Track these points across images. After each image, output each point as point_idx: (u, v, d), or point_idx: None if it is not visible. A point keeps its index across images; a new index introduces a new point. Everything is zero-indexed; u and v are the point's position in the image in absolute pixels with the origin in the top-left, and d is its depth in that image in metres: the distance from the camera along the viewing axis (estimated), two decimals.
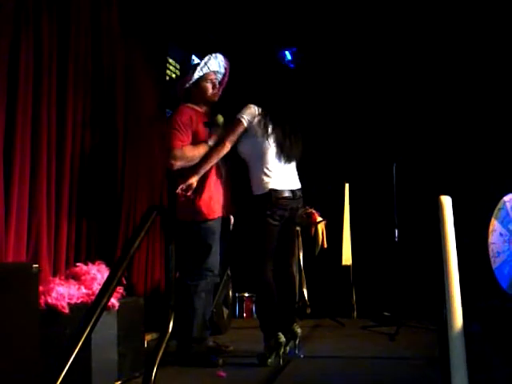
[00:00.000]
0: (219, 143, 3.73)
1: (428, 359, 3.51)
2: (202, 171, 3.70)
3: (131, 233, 4.15)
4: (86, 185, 3.97)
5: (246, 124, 3.71)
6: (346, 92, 6.36)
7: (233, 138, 3.72)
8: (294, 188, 3.81)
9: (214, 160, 3.72)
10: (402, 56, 6.10)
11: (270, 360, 3.61)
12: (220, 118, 3.93)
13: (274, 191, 3.69)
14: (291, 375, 3.43)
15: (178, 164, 3.69)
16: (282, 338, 3.63)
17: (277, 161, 3.77)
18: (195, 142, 3.77)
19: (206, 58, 3.85)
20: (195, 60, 5.78)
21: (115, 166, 4.39)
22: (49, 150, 3.55)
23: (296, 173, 3.91)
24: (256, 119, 3.74)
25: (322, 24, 6.00)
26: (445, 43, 5.89)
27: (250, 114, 3.74)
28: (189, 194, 3.62)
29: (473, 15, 5.64)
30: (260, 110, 3.77)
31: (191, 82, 3.84)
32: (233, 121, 3.75)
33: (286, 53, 6.04)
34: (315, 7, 5.78)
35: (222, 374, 3.36)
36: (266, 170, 3.73)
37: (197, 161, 3.70)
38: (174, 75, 5.50)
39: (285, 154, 3.78)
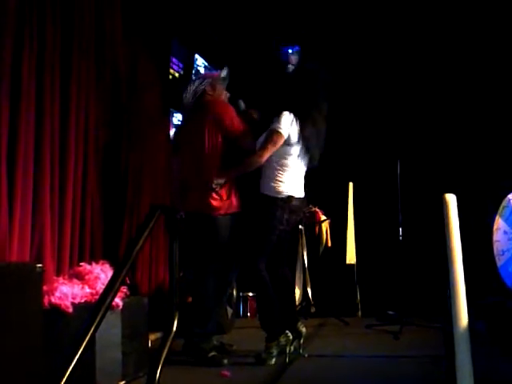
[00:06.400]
0: (257, 154, 3.69)
1: (432, 357, 3.49)
2: (233, 176, 3.78)
3: (135, 232, 4.16)
4: (90, 184, 3.97)
5: (285, 136, 3.66)
6: (349, 90, 6.34)
7: (271, 151, 3.66)
8: (304, 195, 3.85)
9: (248, 169, 3.75)
10: (406, 54, 6.09)
11: (274, 359, 3.61)
12: (241, 103, 4.08)
13: (292, 198, 3.71)
14: (296, 374, 3.42)
15: None
16: (291, 336, 3.68)
17: (296, 165, 3.75)
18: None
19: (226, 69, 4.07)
20: (198, 59, 5.81)
21: (119, 165, 4.39)
22: (52, 149, 3.55)
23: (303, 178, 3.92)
24: (293, 127, 3.69)
25: (325, 22, 6.00)
26: (448, 41, 5.88)
27: (287, 122, 3.67)
28: (217, 189, 3.74)
29: (476, 14, 5.63)
30: (293, 115, 3.71)
31: (214, 79, 3.97)
32: (270, 132, 3.67)
33: (289, 51, 6.01)
34: (318, 6, 5.77)
35: (227, 373, 3.36)
36: (285, 174, 3.71)
37: None
38: (177, 74, 5.49)
39: (308, 155, 3.78)
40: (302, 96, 3.80)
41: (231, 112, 3.84)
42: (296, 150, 3.73)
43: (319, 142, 3.84)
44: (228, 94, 4.06)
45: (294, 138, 3.70)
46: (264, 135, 3.74)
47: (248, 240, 3.77)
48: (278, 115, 3.69)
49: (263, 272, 3.70)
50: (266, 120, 3.82)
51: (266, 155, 3.66)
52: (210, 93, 3.95)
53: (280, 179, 3.70)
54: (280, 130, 3.64)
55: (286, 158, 3.72)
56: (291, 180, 3.73)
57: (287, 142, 3.69)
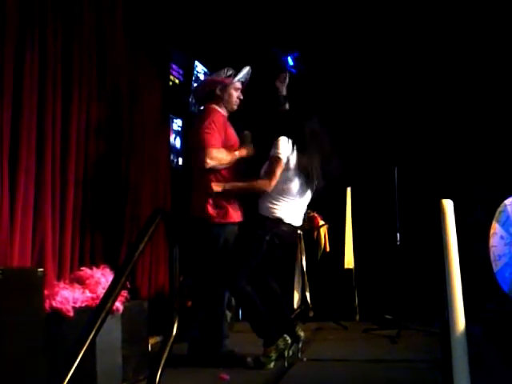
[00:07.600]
0: (266, 181, 3.73)
1: (430, 362, 3.52)
2: (235, 190, 3.80)
3: (135, 237, 4.17)
4: (91, 189, 3.99)
5: (284, 160, 3.72)
6: (347, 97, 6.37)
7: (277, 177, 3.71)
8: (298, 225, 3.88)
9: (253, 192, 3.81)
10: (403, 62, 6.12)
11: (272, 363, 3.64)
12: (248, 135, 4.04)
13: (282, 221, 3.74)
14: (294, 378, 3.45)
15: (211, 164, 3.74)
16: (290, 340, 3.69)
17: (299, 194, 3.80)
18: (226, 144, 3.85)
19: (246, 69, 3.99)
20: (198, 66, 5.83)
21: (119, 170, 4.41)
22: (54, 154, 3.56)
23: (305, 208, 3.95)
24: (290, 151, 3.74)
25: (323, 29, 6.02)
26: (444, 49, 5.91)
27: (284, 147, 3.73)
28: (213, 195, 3.75)
29: (471, 24, 5.68)
30: (291, 141, 3.77)
31: (224, 85, 3.92)
32: (271, 160, 3.74)
33: (288, 58, 6.04)
34: (316, 14, 5.81)
35: (226, 376, 3.38)
36: (285, 199, 3.76)
37: (224, 165, 3.78)
38: (177, 81, 5.52)
39: (308, 183, 3.80)
40: (295, 128, 3.84)
41: (206, 124, 3.79)
42: (296, 175, 3.76)
43: (321, 169, 3.84)
44: (247, 132, 4.05)
45: (293, 162, 3.75)
46: (267, 163, 3.79)
47: (231, 256, 3.76)
48: (276, 141, 3.76)
49: (243, 286, 3.72)
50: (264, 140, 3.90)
51: (273, 182, 3.72)
52: (218, 93, 3.93)
53: (277, 202, 3.76)
54: (279, 156, 3.71)
55: (288, 183, 3.76)
56: (288, 206, 3.77)
57: (286, 167, 3.74)
